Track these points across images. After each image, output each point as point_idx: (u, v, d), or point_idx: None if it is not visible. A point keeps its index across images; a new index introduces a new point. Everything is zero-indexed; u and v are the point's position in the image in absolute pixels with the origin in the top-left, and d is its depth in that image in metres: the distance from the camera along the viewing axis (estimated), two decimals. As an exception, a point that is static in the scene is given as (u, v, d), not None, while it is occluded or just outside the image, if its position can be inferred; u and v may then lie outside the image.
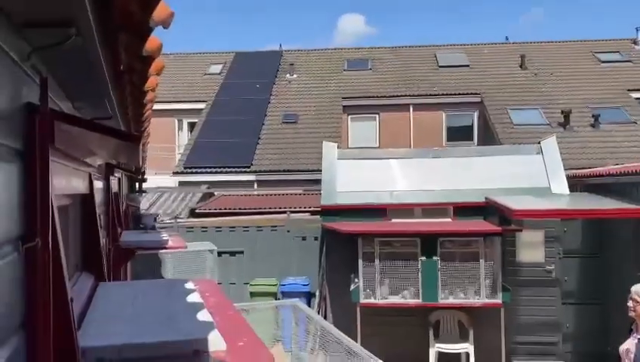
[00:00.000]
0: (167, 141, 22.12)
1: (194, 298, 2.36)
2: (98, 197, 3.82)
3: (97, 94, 2.15)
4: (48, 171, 1.44)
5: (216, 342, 1.76)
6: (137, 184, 10.85)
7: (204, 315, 2.05)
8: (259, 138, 19.57)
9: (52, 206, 1.53)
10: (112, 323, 2.01)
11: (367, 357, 3.72)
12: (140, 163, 2.29)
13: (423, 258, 8.67)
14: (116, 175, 5.38)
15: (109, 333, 1.84)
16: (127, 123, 3.48)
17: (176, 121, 22.56)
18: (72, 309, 1.59)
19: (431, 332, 8.82)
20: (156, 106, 21.03)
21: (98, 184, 3.87)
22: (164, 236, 5.13)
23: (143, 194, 12.43)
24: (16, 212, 1.36)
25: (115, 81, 2.07)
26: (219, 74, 23.86)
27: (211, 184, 17.20)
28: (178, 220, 12.04)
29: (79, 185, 2.54)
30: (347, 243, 8.89)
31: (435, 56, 23.57)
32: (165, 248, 4.86)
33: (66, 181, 2.10)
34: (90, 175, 2.81)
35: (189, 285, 2.66)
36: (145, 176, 11.11)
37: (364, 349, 4.01)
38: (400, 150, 11.09)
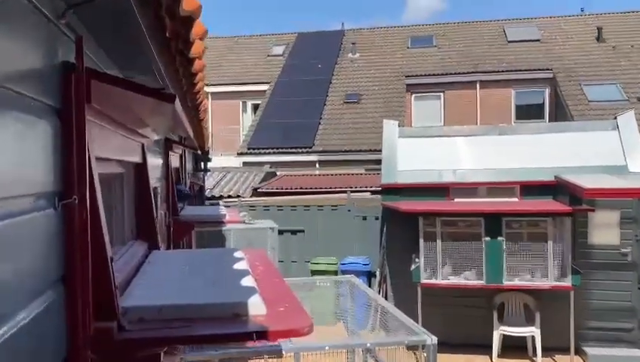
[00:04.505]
0: (232, 122, 22.57)
1: (241, 265, 2.36)
2: (155, 170, 3.91)
3: (143, 60, 2.16)
4: (85, 130, 1.45)
5: (256, 307, 1.74)
6: (202, 163, 11.14)
7: (247, 281, 2.04)
8: (321, 118, 19.58)
9: (90, 165, 1.54)
10: (157, 285, 2.03)
11: (422, 333, 3.63)
12: (186, 128, 2.27)
13: (487, 238, 8.41)
14: (176, 151, 5.50)
15: (152, 295, 1.86)
16: (182, 95, 3.52)
17: (241, 103, 22.94)
18: (111, 268, 1.61)
19: (495, 315, 8.58)
20: (221, 89, 21.58)
21: (156, 157, 3.96)
22: (222, 211, 5.22)
23: (208, 173, 12.75)
24: (52, 168, 1.38)
25: (157, 44, 2.07)
26: (281, 55, 24.00)
27: (274, 164, 17.43)
28: (241, 199, 12.27)
29: (131, 154, 2.59)
30: (408, 222, 8.76)
31: (504, 31, 22.63)
32: (223, 222, 4.94)
33: (113, 146, 2.13)
34: (143, 145, 2.86)
35: (239, 254, 2.66)
36: (209, 156, 11.38)
37: (420, 327, 3.92)
38: (463, 127, 10.74)
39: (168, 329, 1.60)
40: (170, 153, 4.83)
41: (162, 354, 1.84)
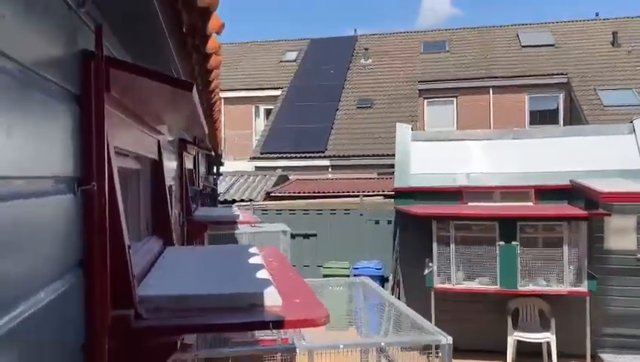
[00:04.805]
0: (245, 128, 22.68)
1: (256, 260, 2.36)
2: (170, 169, 3.93)
3: (160, 56, 2.18)
4: (103, 118, 1.46)
5: (272, 298, 1.74)
6: (215, 167, 11.20)
7: (263, 274, 2.04)
8: (333, 123, 19.60)
9: (109, 153, 1.56)
10: (174, 277, 2.04)
11: (436, 332, 3.60)
12: (202, 123, 2.27)
13: (502, 243, 8.33)
14: (190, 152, 5.53)
15: (169, 285, 1.87)
16: (197, 93, 3.54)
17: (254, 108, 23.04)
18: (129, 256, 1.62)
19: (509, 320, 8.48)
20: (234, 94, 21.71)
21: (170, 156, 3.98)
22: (236, 211, 5.23)
23: (221, 177, 12.80)
24: (71, 153, 1.39)
25: (174, 39, 2.09)
26: (294, 61, 24.09)
27: (286, 169, 17.46)
28: (254, 203, 12.29)
29: (147, 150, 2.61)
30: (421, 226, 8.71)
31: (518, 36, 22.53)
32: (236, 223, 4.95)
33: (131, 139, 2.15)
34: (158, 142, 2.88)
35: (253, 250, 2.67)
36: (222, 160, 11.43)
37: (435, 327, 3.89)
38: (477, 131, 10.70)
39: (185, 317, 1.60)
40: (184, 154, 4.86)
41: (178, 346, 1.84)
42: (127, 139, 2.03)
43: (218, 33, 2.23)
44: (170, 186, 3.71)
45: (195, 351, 2.98)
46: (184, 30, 2.16)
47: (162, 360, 1.66)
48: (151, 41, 2.10)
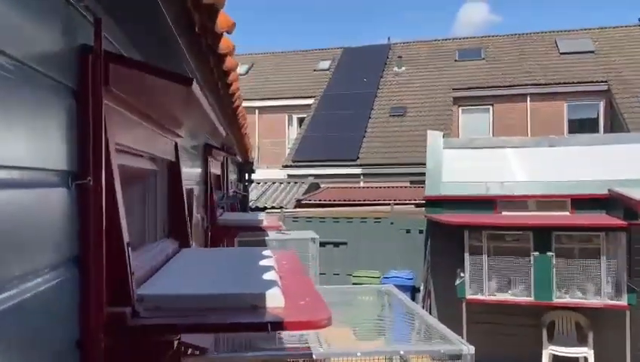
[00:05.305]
0: (279, 136, 22.82)
1: (267, 262, 2.32)
2: (192, 173, 3.94)
3: (174, 56, 2.18)
4: (102, 113, 1.46)
5: (274, 299, 1.70)
6: (246, 174, 11.28)
7: (270, 275, 2.01)
8: (365, 131, 19.52)
9: (108, 149, 1.55)
10: (179, 277, 2.02)
11: (458, 342, 3.49)
12: (209, 116, 2.21)
13: (536, 253, 8.09)
14: (217, 158, 5.56)
15: (172, 285, 1.85)
16: (218, 98, 3.55)
17: (287, 117, 23.18)
18: (128, 253, 1.60)
19: (544, 333, 8.21)
20: (268, 103, 21.94)
21: (193, 160, 4.00)
22: (260, 216, 5.24)
23: (253, 184, 12.89)
24: (67, 147, 1.38)
25: (186, 41, 2.08)
26: (327, 69, 24.15)
27: (318, 177, 17.45)
28: (284, 210, 12.31)
29: (162, 151, 2.61)
30: (453, 235, 8.54)
31: (556, 43, 22.02)
32: (261, 228, 4.95)
33: (140, 138, 2.14)
34: (176, 144, 2.88)
35: (267, 253, 2.63)
36: (253, 168, 11.50)
37: (457, 336, 3.77)
38: (512, 138, 10.44)
39: (182, 317, 1.57)
40: (209, 158, 4.88)
41: (175, 346, 1.82)
42: (134, 138, 2.03)
43: (229, 32, 2.22)
44: (191, 190, 3.72)
45: (212, 355, 2.96)
46: (196, 30, 2.15)
47: (159, 358, 1.64)
48: (162, 42, 2.10)
